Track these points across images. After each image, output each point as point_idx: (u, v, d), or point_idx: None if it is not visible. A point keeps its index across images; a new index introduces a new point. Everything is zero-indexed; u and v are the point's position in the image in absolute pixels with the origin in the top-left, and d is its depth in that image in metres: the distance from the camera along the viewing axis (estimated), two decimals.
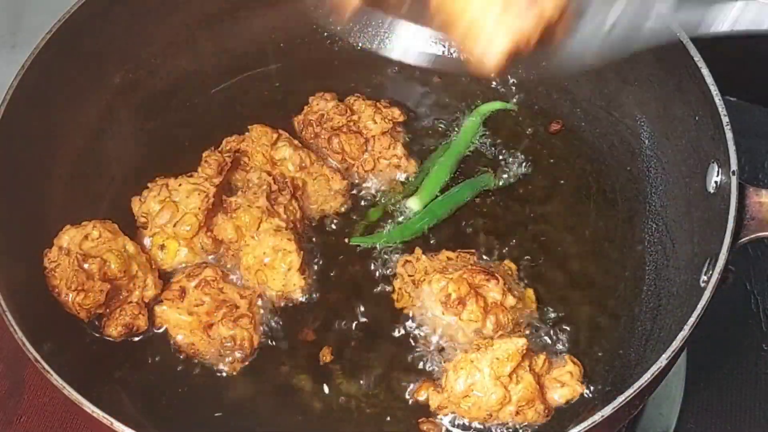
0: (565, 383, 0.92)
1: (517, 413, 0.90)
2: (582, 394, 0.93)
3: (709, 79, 0.93)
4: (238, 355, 0.95)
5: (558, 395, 0.92)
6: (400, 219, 1.05)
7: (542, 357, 0.92)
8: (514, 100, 1.13)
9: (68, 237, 0.95)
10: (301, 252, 0.98)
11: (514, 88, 1.13)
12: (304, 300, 0.99)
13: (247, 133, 1.05)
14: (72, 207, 1.00)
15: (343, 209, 1.05)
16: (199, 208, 0.98)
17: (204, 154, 1.01)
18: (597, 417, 0.80)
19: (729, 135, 0.89)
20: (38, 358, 0.82)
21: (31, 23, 1.33)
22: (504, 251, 1.03)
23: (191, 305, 0.96)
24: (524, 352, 0.89)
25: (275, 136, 1.05)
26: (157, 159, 1.06)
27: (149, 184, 1.00)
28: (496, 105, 1.12)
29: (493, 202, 1.06)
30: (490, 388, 0.89)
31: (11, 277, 0.89)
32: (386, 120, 1.07)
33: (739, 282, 1.16)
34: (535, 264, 1.02)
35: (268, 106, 1.13)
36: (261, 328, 0.97)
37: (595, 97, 1.10)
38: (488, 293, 0.94)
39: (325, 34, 1.17)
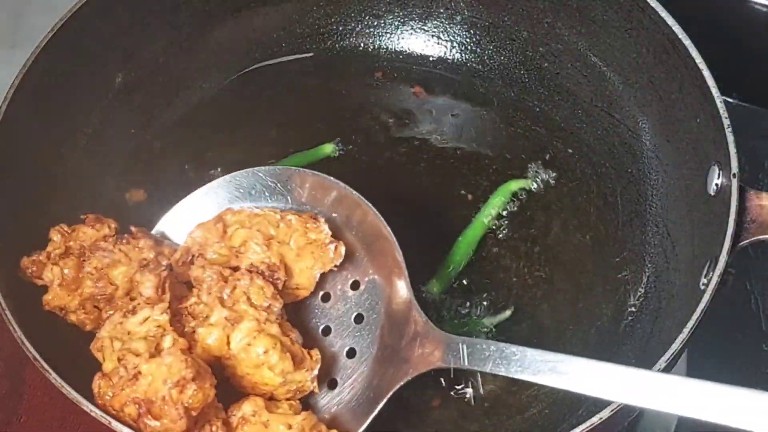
0: None
1: None
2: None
3: (711, 81, 0.92)
4: None
5: None
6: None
7: None
8: None
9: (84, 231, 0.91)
10: (294, 343, 0.85)
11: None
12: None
13: (188, 240, 0.91)
14: (72, 207, 1.00)
15: (339, 262, 0.90)
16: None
17: (136, 277, 0.86)
18: (595, 419, 0.80)
19: (730, 138, 0.89)
20: (37, 356, 0.82)
21: (31, 23, 1.33)
22: (503, 254, 1.03)
23: None
24: None
25: (220, 226, 0.90)
26: (159, 160, 1.06)
27: (97, 334, 0.86)
28: (521, 183, 1.07)
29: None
30: None
31: (11, 276, 0.89)
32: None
33: (738, 282, 1.16)
34: (536, 266, 1.02)
35: (269, 105, 1.13)
36: None
37: (597, 99, 1.10)
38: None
39: (327, 34, 1.17)
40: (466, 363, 0.84)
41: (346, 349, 0.91)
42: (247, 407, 0.83)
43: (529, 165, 1.09)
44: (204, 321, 0.85)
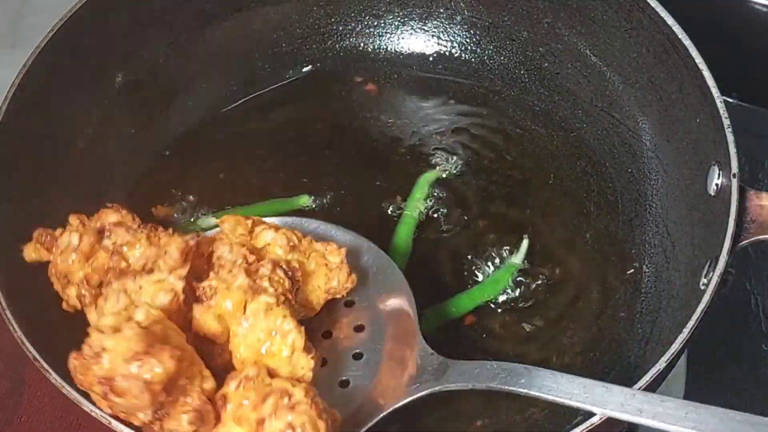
0: None
1: None
2: None
3: (711, 81, 0.92)
4: None
5: None
6: None
7: None
8: None
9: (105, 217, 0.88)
10: (302, 327, 0.83)
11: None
12: None
13: (217, 229, 0.91)
14: (72, 207, 1.00)
15: (350, 285, 0.89)
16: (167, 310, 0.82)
17: (162, 242, 0.85)
18: (596, 419, 0.80)
19: (730, 138, 0.89)
20: (37, 356, 0.82)
21: (31, 23, 1.34)
22: (504, 254, 1.03)
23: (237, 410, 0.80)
24: None
25: (250, 222, 0.89)
26: (159, 159, 1.07)
27: (103, 290, 0.84)
28: (436, 174, 1.08)
29: (493, 205, 1.07)
30: None
31: (11, 276, 0.89)
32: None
33: (739, 282, 1.16)
34: (536, 266, 1.02)
35: (269, 103, 1.14)
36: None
37: (597, 99, 1.10)
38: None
39: (327, 34, 1.17)
40: (475, 382, 0.83)
41: (341, 379, 0.89)
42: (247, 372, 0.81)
43: (528, 165, 1.09)
44: (225, 290, 0.83)
